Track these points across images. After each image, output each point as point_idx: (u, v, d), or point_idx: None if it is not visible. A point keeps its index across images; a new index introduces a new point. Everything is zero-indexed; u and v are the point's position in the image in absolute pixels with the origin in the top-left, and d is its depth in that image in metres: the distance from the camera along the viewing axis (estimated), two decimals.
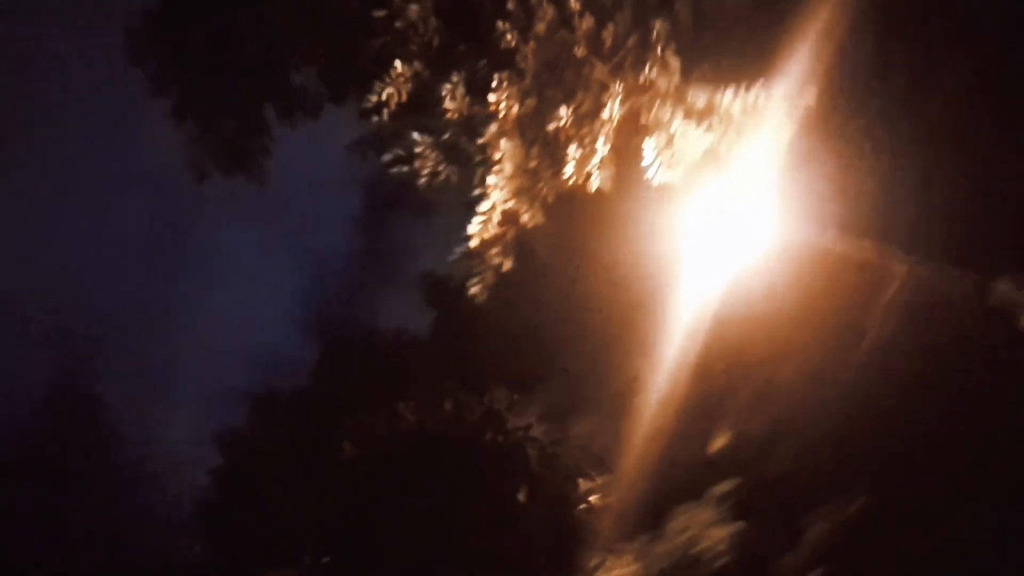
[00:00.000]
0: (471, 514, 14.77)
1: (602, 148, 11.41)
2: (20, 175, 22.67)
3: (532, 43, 11.05)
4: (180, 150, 14.24)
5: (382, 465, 15.35)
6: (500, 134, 11.31)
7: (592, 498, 15.42)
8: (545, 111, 11.23)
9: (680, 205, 12.75)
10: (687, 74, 11.22)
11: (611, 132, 11.36)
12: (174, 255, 25.06)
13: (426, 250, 21.01)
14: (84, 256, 24.10)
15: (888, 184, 12.15)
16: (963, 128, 11.74)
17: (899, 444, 12.51)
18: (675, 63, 11.11)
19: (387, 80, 11.73)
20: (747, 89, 11.22)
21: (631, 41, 11.09)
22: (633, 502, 14.89)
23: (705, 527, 13.96)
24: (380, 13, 11.65)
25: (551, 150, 11.48)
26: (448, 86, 11.36)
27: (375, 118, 12.07)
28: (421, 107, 11.86)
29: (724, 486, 14.11)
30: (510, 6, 11.06)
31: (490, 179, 11.52)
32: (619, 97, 11.21)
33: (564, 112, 11.16)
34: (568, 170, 11.50)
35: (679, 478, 14.56)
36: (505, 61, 11.17)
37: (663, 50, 11.04)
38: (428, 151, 11.93)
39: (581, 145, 11.39)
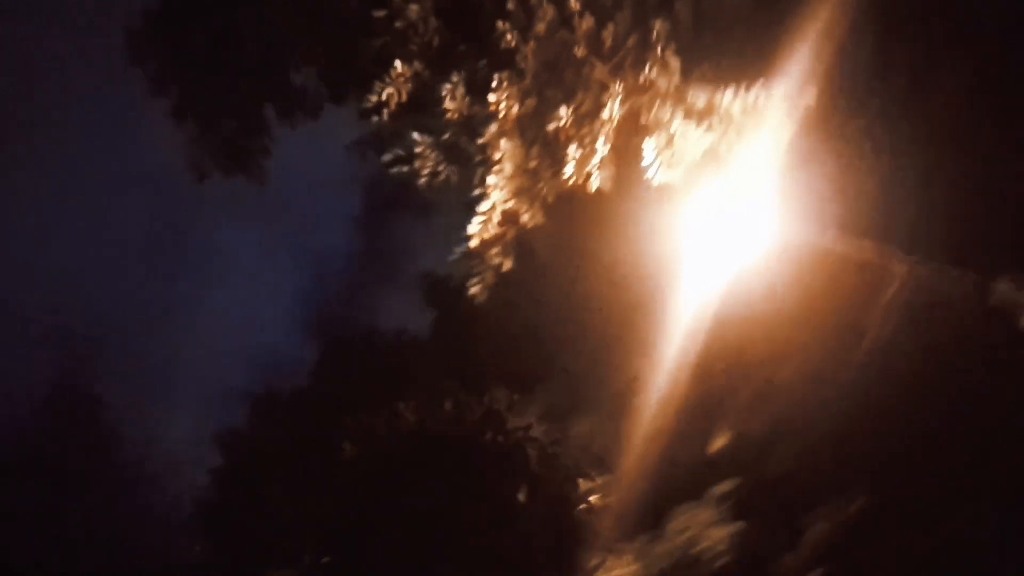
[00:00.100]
0: (471, 514, 14.76)
1: (602, 148, 11.40)
2: (20, 175, 22.68)
3: (532, 43, 11.05)
4: (180, 150, 14.25)
5: (382, 465, 15.35)
6: (500, 134, 11.30)
7: (592, 498, 15.41)
8: (545, 111, 11.22)
9: (680, 205, 12.75)
10: (687, 74, 11.22)
11: (611, 132, 11.36)
12: (174, 255, 25.05)
13: (426, 250, 21.02)
14: (84, 256, 24.09)
15: (888, 184, 12.14)
16: (963, 128, 11.74)
17: (899, 444, 12.51)
18: (675, 63, 11.11)
19: (387, 80, 11.73)
20: (747, 89, 11.22)
21: (631, 41, 11.09)
22: (633, 502, 14.89)
23: (705, 527, 13.96)
24: (380, 13, 11.65)
25: (551, 150, 11.47)
26: (448, 86, 11.35)
27: (375, 118, 12.06)
28: (421, 107, 11.85)
29: (724, 486, 14.11)
30: (510, 6, 11.06)
31: (490, 179, 11.51)
32: (619, 97, 11.20)
33: (564, 112, 11.16)
34: (568, 170, 11.49)
35: (679, 478, 14.55)
36: (505, 61, 11.16)
37: (663, 50, 11.04)
38: (428, 151, 11.92)
39: (581, 145, 11.38)
